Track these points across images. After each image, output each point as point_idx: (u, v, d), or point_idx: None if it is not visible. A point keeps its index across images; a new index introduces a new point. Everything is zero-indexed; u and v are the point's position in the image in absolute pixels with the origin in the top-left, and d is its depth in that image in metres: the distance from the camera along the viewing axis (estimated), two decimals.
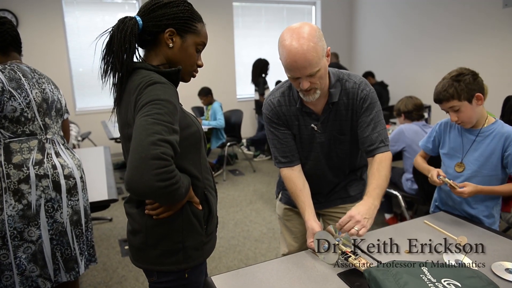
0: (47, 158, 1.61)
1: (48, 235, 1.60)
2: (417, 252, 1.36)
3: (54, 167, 1.61)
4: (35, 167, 1.56)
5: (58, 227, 1.63)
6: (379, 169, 1.39)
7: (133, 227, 1.14)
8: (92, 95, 5.84)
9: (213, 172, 1.24)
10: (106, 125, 4.91)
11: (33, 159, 1.56)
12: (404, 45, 6.21)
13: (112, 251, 3.00)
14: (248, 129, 6.73)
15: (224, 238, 3.21)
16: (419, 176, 2.79)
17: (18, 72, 1.56)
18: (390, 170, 1.42)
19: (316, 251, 1.35)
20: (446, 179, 1.60)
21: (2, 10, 5.07)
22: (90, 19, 5.66)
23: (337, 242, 1.27)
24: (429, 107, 4.75)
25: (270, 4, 6.91)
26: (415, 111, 2.99)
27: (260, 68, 5.59)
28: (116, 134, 4.24)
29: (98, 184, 2.27)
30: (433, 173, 1.65)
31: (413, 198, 2.98)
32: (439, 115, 5.28)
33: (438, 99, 1.62)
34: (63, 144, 1.74)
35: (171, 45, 1.08)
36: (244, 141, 5.64)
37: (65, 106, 1.85)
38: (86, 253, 1.78)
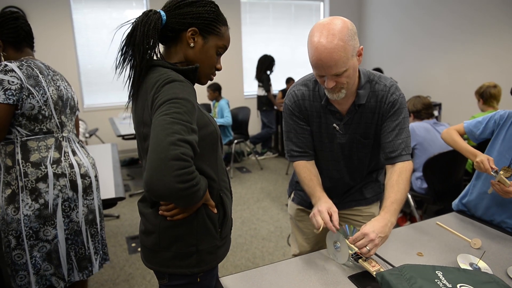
0: (64, 156, 1.59)
1: (64, 234, 1.59)
2: (430, 254, 1.33)
3: (71, 166, 1.59)
4: (53, 166, 1.53)
5: (74, 226, 1.61)
6: (398, 181, 1.33)
7: (146, 228, 1.11)
8: (100, 92, 5.84)
9: (229, 174, 1.20)
10: (114, 122, 4.91)
11: (51, 157, 1.54)
12: (413, 42, 6.12)
13: (119, 249, 3.00)
14: (255, 126, 6.70)
15: (231, 236, 3.18)
16: (430, 175, 2.75)
17: (35, 69, 1.54)
18: (410, 181, 1.36)
19: (327, 248, 1.33)
20: (501, 175, 1.44)
21: (11, 7, 5.08)
22: (98, 16, 5.66)
23: (348, 242, 1.25)
24: (439, 105, 4.68)
25: (278, 0, 6.85)
26: (424, 110, 2.96)
27: (266, 64, 5.56)
28: (124, 131, 4.24)
29: (105, 182, 2.26)
30: (484, 159, 1.48)
31: (423, 198, 2.94)
32: (450, 113, 5.21)
33: None
34: (78, 142, 1.72)
35: (192, 44, 1.06)
36: (248, 143, 5.64)
37: (77, 103, 1.83)
38: (101, 252, 1.76)
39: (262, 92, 5.62)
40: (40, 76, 1.54)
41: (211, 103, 5.20)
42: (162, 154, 0.81)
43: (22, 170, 1.49)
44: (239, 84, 6.74)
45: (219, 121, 4.79)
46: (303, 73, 1.52)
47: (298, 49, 7.11)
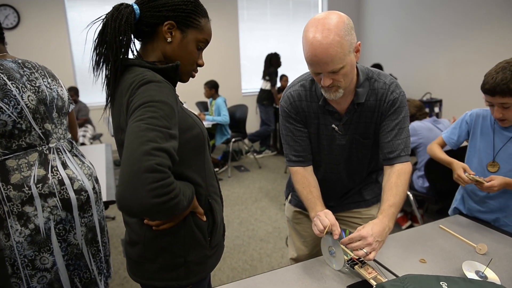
0: (52, 172, 1.38)
1: (64, 261, 1.42)
2: (433, 261, 1.26)
3: (61, 182, 1.38)
4: (37, 186, 1.34)
5: (73, 249, 1.44)
6: (397, 184, 1.26)
7: (131, 238, 1.04)
8: (96, 90, 5.72)
9: (218, 177, 1.12)
10: (109, 121, 4.84)
11: (34, 176, 1.34)
12: (412, 38, 6.05)
13: (114, 251, 2.94)
14: (253, 124, 6.63)
15: (228, 238, 3.13)
16: (431, 174, 2.69)
17: (2, 76, 1.29)
18: (408, 184, 1.30)
19: (323, 253, 1.28)
20: (474, 176, 1.46)
21: (3, 5, 5.01)
22: (95, 13, 5.53)
23: (344, 247, 1.19)
24: (440, 101, 4.61)
25: None
26: (418, 112, 2.97)
27: (273, 61, 5.58)
28: None
29: None
30: (460, 172, 1.50)
31: (424, 197, 2.88)
32: (450, 109, 5.14)
33: (493, 91, 1.39)
34: (70, 151, 1.49)
35: (169, 39, 0.98)
36: (246, 141, 5.61)
37: (68, 98, 1.58)
38: (105, 271, 1.60)
39: (267, 86, 5.59)
40: (9, 82, 1.28)
41: (208, 101, 5.13)
42: (134, 166, 0.73)
43: (4, 194, 1.31)
44: (236, 82, 6.67)
45: (216, 119, 4.72)
46: (302, 70, 1.45)
47: (297, 45, 7.03)
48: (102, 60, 0.95)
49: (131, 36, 0.95)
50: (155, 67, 0.95)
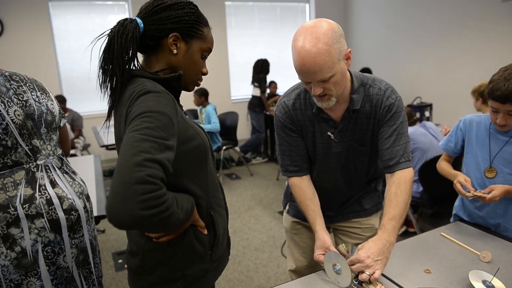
0: (39, 191, 1.31)
1: (52, 285, 1.33)
2: (438, 271, 1.23)
3: (49, 202, 1.31)
4: (24, 206, 1.26)
5: (63, 273, 1.36)
6: (397, 194, 1.23)
7: (132, 248, 1.04)
8: (83, 100, 5.65)
9: (223, 188, 1.11)
10: (97, 131, 4.74)
11: (21, 195, 1.26)
12: (401, 41, 6.10)
13: (105, 266, 2.85)
14: (244, 131, 6.59)
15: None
16: (426, 179, 2.69)
17: None
18: (411, 191, 1.27)
19: (327, 272, 1.23)
20: (474, 192, 1.43)
21: None
22: (80, 22, 5.49)
23: (348, 263, 1.15)
24: (430, 105, 4.63)
25: (263, 2, 6.76)
26: (409, 120, 2.98)
27: (262, 67, 5.55)
28: (109, 141, 4.08)
29: None
30: (461, 180, 1.48)
31: (418, 201, 2.87)
32: (441, 114, 5.18)
33: (505, 98, 1.33)
34: (60, 168, 1.43)
35: (175, 51, 0.98)
36: (237, 149, 5.55)
37: (59, 112, 1.52)
38: None
39: (257, 93, 5.56)
40: None
41: (198, 108, 5.08)
42: (125, 177, 0.71)
43: None
44: (226, 89, 6.63)
45: (206, 127, 4.67)
46: (290, 76, 1.44)
47: (285, 51, 7.03)
48: (109, 76, 0.94)
49: (136, 50, 0.95)
50: (157, 78, 0.95)
